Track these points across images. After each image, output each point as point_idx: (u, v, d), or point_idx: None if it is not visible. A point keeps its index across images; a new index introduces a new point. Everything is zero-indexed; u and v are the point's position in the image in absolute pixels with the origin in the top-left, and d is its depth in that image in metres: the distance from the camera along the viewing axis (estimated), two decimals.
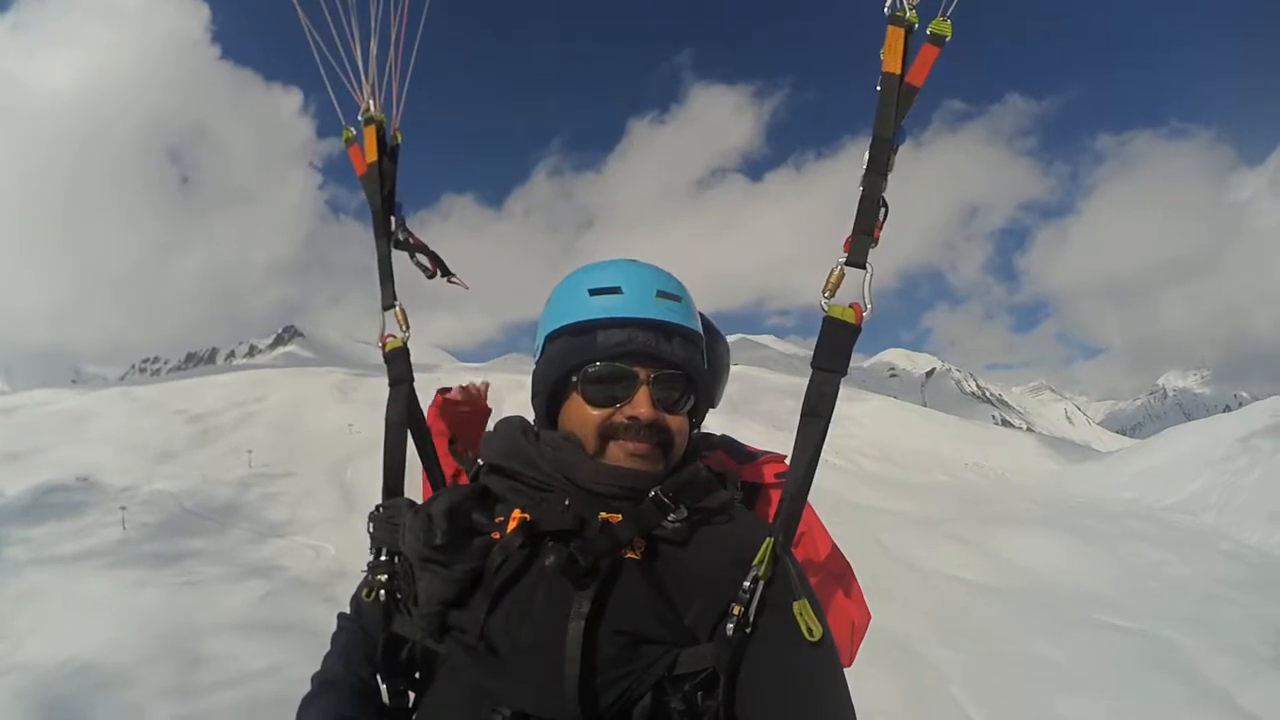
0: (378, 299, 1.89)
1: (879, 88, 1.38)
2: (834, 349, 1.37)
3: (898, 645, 12.11)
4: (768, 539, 1.27)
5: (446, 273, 1.97)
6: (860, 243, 1.38)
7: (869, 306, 1.37)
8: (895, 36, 1.36)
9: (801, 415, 1.38)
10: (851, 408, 54.65)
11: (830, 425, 1.36)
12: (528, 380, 1.48)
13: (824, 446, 1.38)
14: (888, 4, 1.37)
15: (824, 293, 1.39)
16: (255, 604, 13.41)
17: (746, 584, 1.22)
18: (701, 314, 1.84)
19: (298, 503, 21.30)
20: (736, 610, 1.21)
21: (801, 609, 1.21)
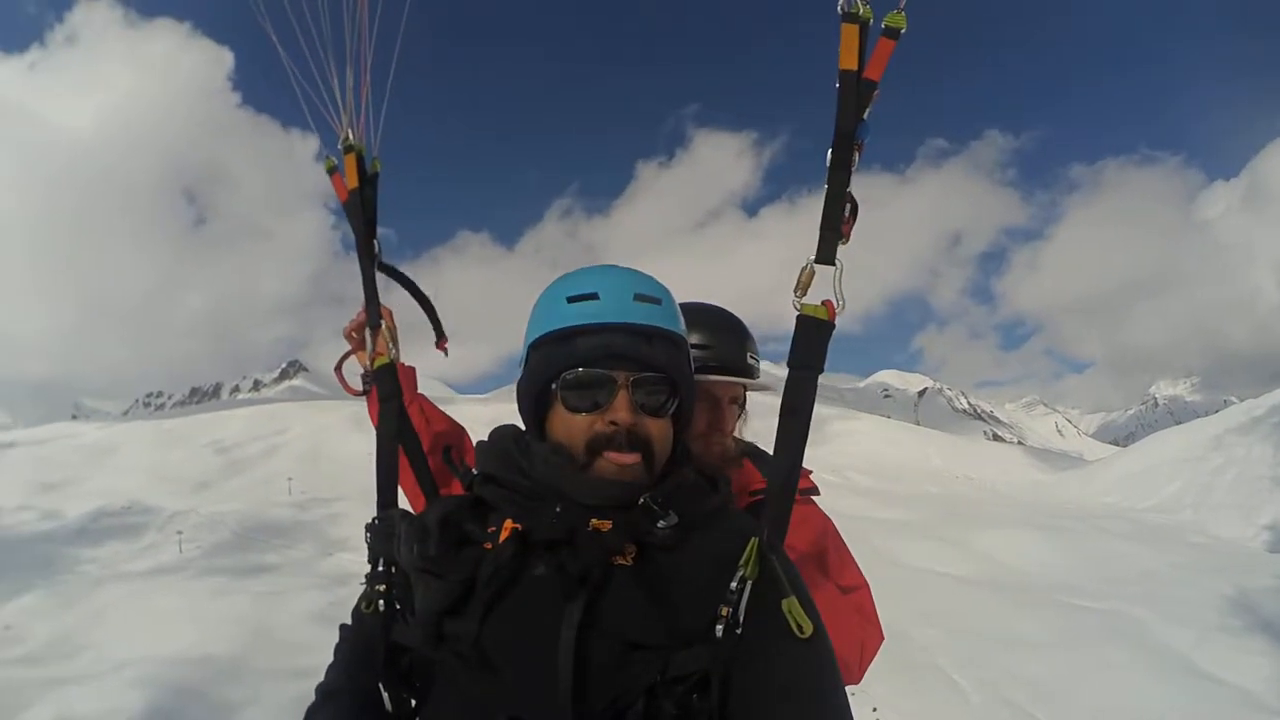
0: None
1: (837, 85, 1.37)
2: (809, 347, 1.39)
3: (883, 625, 13.03)
4: (753, 538, 1.27)
5: (437, 327, 2.09)
6: (828, 239, 1.39)
7: (841, 302, 1.38)
8: (850, 33, 1.36)
9: (780, 415, 1.38)
10: (844, 425, 55.32)
11: (811, 428, 1.38)
12: None
13: (806, 451, 1.38)
14: (840, 2, 1.37)
15: (796, 292, 1.40)
16: (331, 605, 14.38)
17: (734, 585, 1.22)
18: (700, 305, 2.13)
19: (352, 522, 21.32)
20: (725, 611, 1.20)
21: (790, 606, 1.20)
